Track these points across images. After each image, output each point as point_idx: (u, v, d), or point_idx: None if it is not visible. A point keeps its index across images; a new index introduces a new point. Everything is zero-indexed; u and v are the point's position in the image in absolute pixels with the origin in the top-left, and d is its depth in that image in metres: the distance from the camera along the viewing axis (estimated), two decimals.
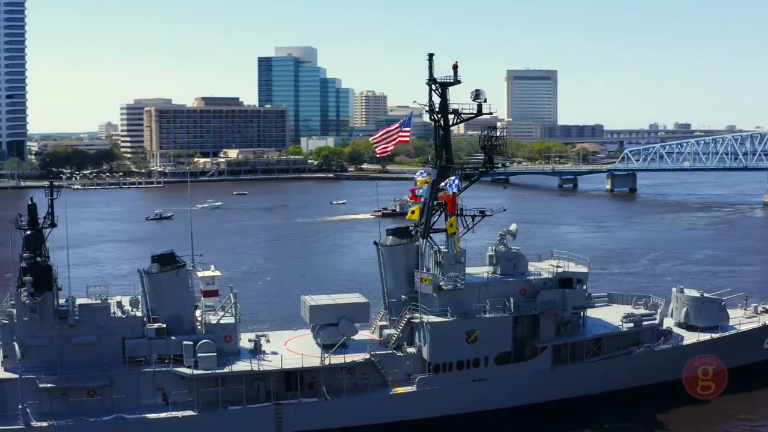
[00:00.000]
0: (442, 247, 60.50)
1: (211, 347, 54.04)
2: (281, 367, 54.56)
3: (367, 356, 56.58)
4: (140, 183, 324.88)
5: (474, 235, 61.56)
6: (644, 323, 64.73)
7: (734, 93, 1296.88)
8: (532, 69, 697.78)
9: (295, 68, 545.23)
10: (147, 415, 51.80)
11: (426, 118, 63.58)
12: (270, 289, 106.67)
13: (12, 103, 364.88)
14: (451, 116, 61.97)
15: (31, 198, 55.55)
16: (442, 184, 60.15)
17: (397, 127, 63.99)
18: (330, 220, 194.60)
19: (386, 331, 60.09)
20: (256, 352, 57.17)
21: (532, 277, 61.70)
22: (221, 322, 56.57)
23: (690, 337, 66.08)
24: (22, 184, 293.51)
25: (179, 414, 52.26)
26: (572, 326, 62.28)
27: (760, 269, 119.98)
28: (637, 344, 64.07)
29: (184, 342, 53.79)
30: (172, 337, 54.43)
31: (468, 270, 61.18)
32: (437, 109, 61.73)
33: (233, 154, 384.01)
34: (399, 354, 58.30)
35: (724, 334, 66.88)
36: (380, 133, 65.54)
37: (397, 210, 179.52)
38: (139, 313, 55.72)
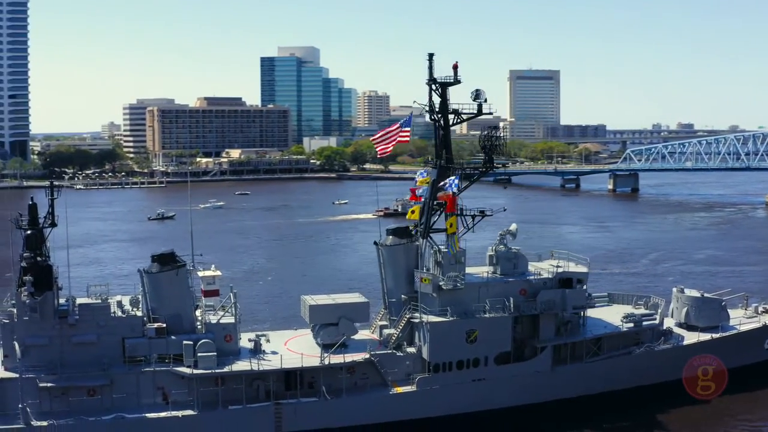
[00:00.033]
0: (442, 247, 60.52)
1: (211, 347, 54.12)
2: (281, 366, 54.63)
3: (367, 356, 56.64)
4: (143, 183, 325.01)
5: (474, 235, 61.59)
6: (644, 323, 64.69)
7: (737, 93, 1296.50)
8: (534, 69, 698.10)
9: (298, 68, 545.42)
10: (147, 415, 51.90)
11: (427, 118, 63.63)
12: (271, 289, 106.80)
13: (15, 103, 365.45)
14: (451, 116, 62.03)
15: (32, 198, 55.70)
16: (441, 183, 60.20)
17: (397, 127, 64.05)
18: (332, 220, 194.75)
19: (386, 331, 60.14)
20: (256, 351, 57.24)
21: (532, 277, 61.70)
22: (221, 321, 56.66)
23: (690, 337, 66.05)
24: (25, 184, 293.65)
25: (179, 413, 52.36)
26: (572, 326, 62.27)
27: (762, 269, 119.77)
28: (637, 344, 64.04)
29: (184, 341, 53.88)
30: (172, 337, 54.52)
31: (468, 270, 61.20)
32: (437, 109, 61.80)
33: (236, 154, 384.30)
34: (399, 354, 58.33)
35: (724, 334, 66.80)
36: (381, 133, 65.63)
37: (399, 210, 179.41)
38: (139, 313, 55.82)
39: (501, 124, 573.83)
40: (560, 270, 61.69)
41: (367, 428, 55.21)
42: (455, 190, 59.12)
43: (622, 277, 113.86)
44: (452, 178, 59.74)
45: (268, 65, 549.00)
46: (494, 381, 58.69)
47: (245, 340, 58.55)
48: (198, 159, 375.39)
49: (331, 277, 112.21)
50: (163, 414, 52.20)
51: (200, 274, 59.76)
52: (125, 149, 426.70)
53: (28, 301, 51.98)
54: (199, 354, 53.52)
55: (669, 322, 68.40)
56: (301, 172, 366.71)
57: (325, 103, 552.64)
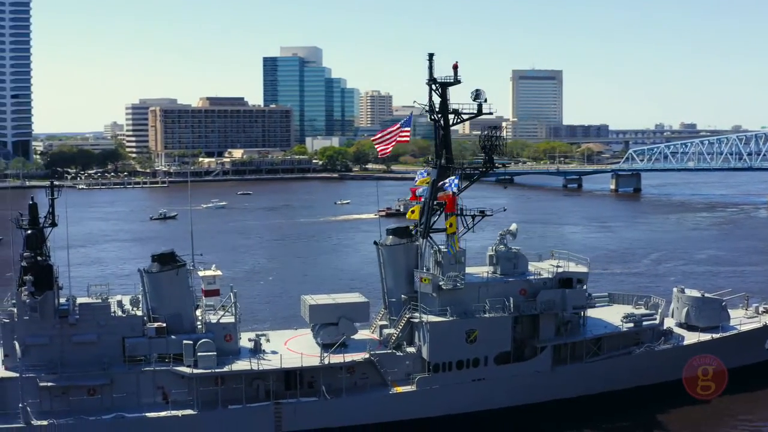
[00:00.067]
0: (442, 247, 60.55)
1: (211, 346, 54.17)
2: (281, 366, 54.68)
3: (367, 356, 56.67)
4: (145, 183, 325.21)
5: (474, 235, 61.63)
6: (644, 323, 64.65)
7: (741, 93, 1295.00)
8: (537, 69, 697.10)
9: (300, 68, 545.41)
10: (147, 414, 52.00)
11: (428, 118, 63.67)
12: (272, 289, 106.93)
13: (17, 103, 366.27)
14: (451, 116, 62.05)
15: (32, 197, 55.81)
16: (441, 183, 60.25)
17: (397, 128, 64.14)
18: (334, 220, 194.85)
19: (386, 331, 60.18)
20: (256, 351, 57.28)
21: (532, 277, 61.69)
22: (221, 321, 56.74)
23: (690, 338, 66.05)
24: (27, 183, 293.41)
25: (179, 413, 52.44)
26: (572, 326, 62.25)
27: (763, 269, 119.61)
28: (637, 344, 64.01)
29: (184, 341, 53.93)
30: (172, 336, 54.58)
31: (468, 270, 61.20)
32: (437, 109, 61.85)
33: (238, 153, 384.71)
34: (398, 353, 58.36)
35: (724, 335, 66.76)
36: (381, 134, 65.71)
37: (401, 210, 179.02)
38: (139, 313, 55.90)
39: (503, 124, 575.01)
40: (560, 270, 61.69)
41: (367, 428, 55.25)
42: (455, 190, 59.17)
43: (624, 277, 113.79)
44: (452, 177, 59.79)
45: (270, 65, 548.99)
46: (494, 381, 58.70)
47: (245, 340, 58.59)
48: (200, 159, 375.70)
49: (332, 276, 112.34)
50: (163, 413, 52.26)
51: (201, 273, 59.78)
52: (128, 149, 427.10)
53: (28, 301, 52.08)
54: (199, 353, 53.56)
55: (669, 322, 68.38)
56: (304, 172, 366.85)
57: (327, 103, 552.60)
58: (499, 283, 60.70)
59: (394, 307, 61.41)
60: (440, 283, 58.69)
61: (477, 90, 61.85)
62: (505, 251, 62.92)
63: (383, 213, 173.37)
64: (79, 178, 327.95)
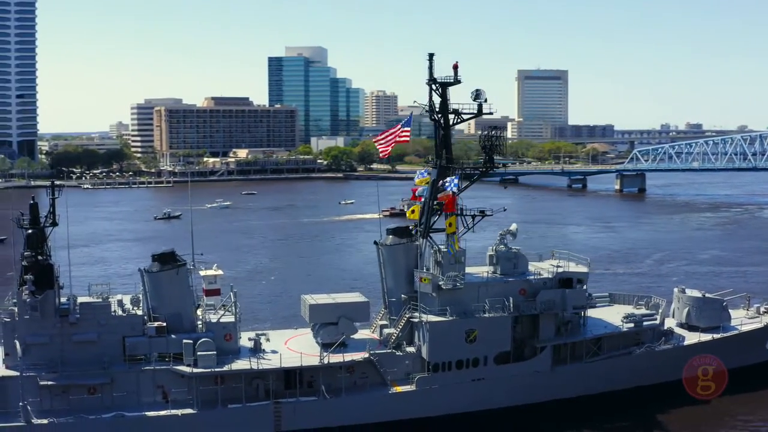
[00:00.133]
0: (442, 246, 60.63)
1: (211, 346, 54.33)
2: (280, 365, 54.82)
3: (367, 355, 56.76)
4: (150, 182, 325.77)
5: (474, 235, 61.68)
6: (645, 323, 64.59)
7: (746, 93, 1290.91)
8: (542, 69, 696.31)
9: (306, 68, 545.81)
10: (147, 413, 52.18)
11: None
12: (273, 289, 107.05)
13: (23, 103, 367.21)
14: (451, 116, 62.14)
15: (33, 197, 56.04)
16: (441, 183, 60.32)
17: (399, 128, 64.27)
18: (337, 219, 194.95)
19: (386, 331, 60.29)
20: (256, 350, 57.42)
21: (531, 277, 61.72)
22: (221, 320, 56.91)
23: (691, 338, 65.98)
24: (32, 183, 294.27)
25: (179, 412, 52.62)
26: (572, 326, 62.26)
27: (766, 270, 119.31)
28: (637, 344, 63.98)
29: (184, 340, 54.11)
30: (172, 336, 54.78)
31: (468, 270, 61.27)
32: (437, 109, 61.92)
33: (243, 153, 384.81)
34: (398, 353, 58.45)
35: (725, 335, 66.68)
36: (383, 135, 65.88)
37: (405, 210, 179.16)
38: (139, 312, 56.12)
39: (509, 124, 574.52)
40: (560, 270, 61.70)
41: (367, 427, 55.32)
42: (455, 189, 59.24)
43: (626, 277, 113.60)
44: (452, 177, 59.87)
45: (275, 65, 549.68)
46: (494, 381, 58.74)
47: (245, 339, 58.74)
48: (205, 159, 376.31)
49: (334, 276, 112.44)
50: (162, 412, 52.45)
51: (202, 273, 60.01)
52: (133, 149, 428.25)
53: (29, 300, 52.33)
54: (198, 353, 53.73)
55: (670, 323, 68.34)
56: (308, 172, 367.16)
57: (332, 103, 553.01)
58: (498, 283, 60.75)
59: (394, 307, 61.50)
60: (440, 283, 58.76)
61: (477, 90, 61.92)
62: (505, 251, 62.97)
63: (387, 213, 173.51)
64: (84, 178, 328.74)
